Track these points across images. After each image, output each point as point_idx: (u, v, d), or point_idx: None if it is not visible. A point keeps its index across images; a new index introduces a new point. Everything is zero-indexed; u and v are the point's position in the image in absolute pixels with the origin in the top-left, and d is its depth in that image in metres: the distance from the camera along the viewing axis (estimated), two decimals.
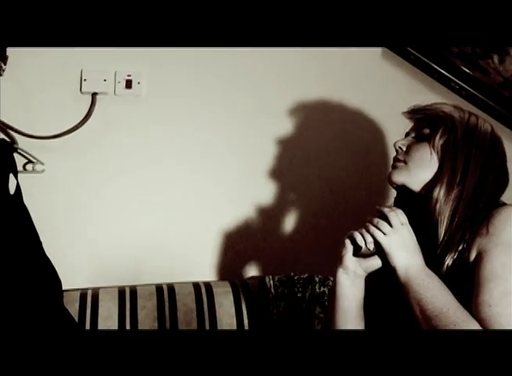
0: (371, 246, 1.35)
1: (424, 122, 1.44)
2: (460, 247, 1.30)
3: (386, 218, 1.33)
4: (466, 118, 1.41)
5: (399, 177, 1.42)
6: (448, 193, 1.34)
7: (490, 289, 1.19)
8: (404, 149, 1.45)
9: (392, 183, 1.43)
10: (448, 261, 1.30)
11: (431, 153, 1.38)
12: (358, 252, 1.37)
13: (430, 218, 1.35)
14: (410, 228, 1.33)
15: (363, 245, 1.35)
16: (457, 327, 1.18)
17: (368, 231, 1.34)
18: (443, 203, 1.33)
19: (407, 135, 1.50)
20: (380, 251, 1.35)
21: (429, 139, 1.40)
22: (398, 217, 1.33)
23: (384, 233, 1.32)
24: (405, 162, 1.42)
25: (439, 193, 1.34)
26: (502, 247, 1.23)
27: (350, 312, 1.40)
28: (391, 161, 1.49)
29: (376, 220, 1.34)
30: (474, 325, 1.18)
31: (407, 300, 1.29)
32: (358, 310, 1.40)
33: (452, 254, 1.30)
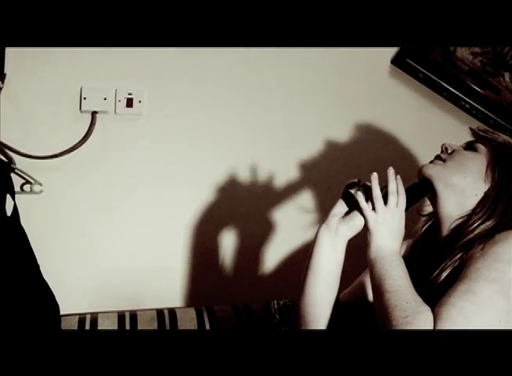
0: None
1: (486, 141, 1.47)
2: (457, 263, 1.35)
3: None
4: None
5: (430, 170, 1.44)
6: (484, 222, 1.37)
7: (457, 286, 1.24)
8: (449, 151, 1.48)
9: (420, 174, 1.46)
10: (446, 272, 1.35)
11: (485, 167, 1.41)
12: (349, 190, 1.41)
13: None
14: (404, 214, 1.37)
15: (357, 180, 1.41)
16: (408, 306, 1.22)
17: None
18: (474, 228, 1.37)
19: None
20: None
21: (487, 156, 1.43)
22: (399, 198, 1.37)
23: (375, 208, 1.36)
24: (444, 161, 1.45)
25: (479, 218, 1.37)
26: (486, 256, 1.27)
27: (320, 275, 1.42)
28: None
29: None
30: (425, 308, 1.21)
31: (370, 275, 1.35)
32: (331, 276, 1.43)
33: (450, 266, 1.35)
